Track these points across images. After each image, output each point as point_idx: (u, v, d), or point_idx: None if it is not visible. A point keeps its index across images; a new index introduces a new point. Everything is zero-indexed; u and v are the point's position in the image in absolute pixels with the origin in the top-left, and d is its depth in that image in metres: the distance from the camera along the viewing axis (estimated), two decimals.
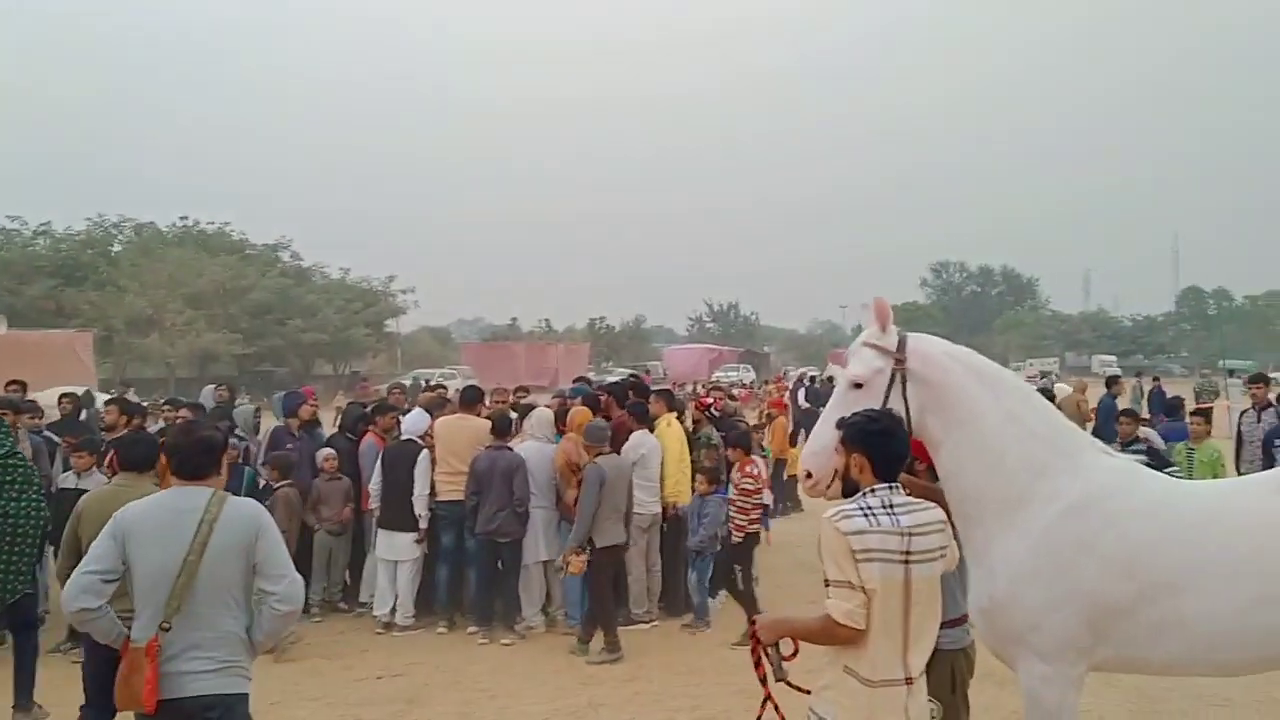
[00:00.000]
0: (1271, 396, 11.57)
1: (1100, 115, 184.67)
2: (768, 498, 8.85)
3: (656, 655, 8.48)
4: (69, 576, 4.10)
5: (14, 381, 11.19)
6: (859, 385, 4.24)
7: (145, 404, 12.30)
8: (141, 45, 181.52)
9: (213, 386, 15.85)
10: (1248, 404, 11.72)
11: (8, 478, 6.55)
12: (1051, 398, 10.92)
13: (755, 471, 9.10)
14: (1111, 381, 17.31)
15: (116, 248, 55.25)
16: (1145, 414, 17.74)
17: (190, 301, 48.08)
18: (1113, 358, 72.19)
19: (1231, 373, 34.96)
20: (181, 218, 59.09)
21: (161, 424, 10.63)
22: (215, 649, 4.04)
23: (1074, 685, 4.11)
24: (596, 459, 8.57)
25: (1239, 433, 11.34)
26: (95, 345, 34.20)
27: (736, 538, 8.93)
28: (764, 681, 3.80)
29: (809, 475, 4.18)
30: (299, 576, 4.24)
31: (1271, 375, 17.91)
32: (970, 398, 4.21)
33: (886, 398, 4.18)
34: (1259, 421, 10.63)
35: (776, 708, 3.82)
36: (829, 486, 4.00)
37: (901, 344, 4.25)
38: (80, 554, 4.43)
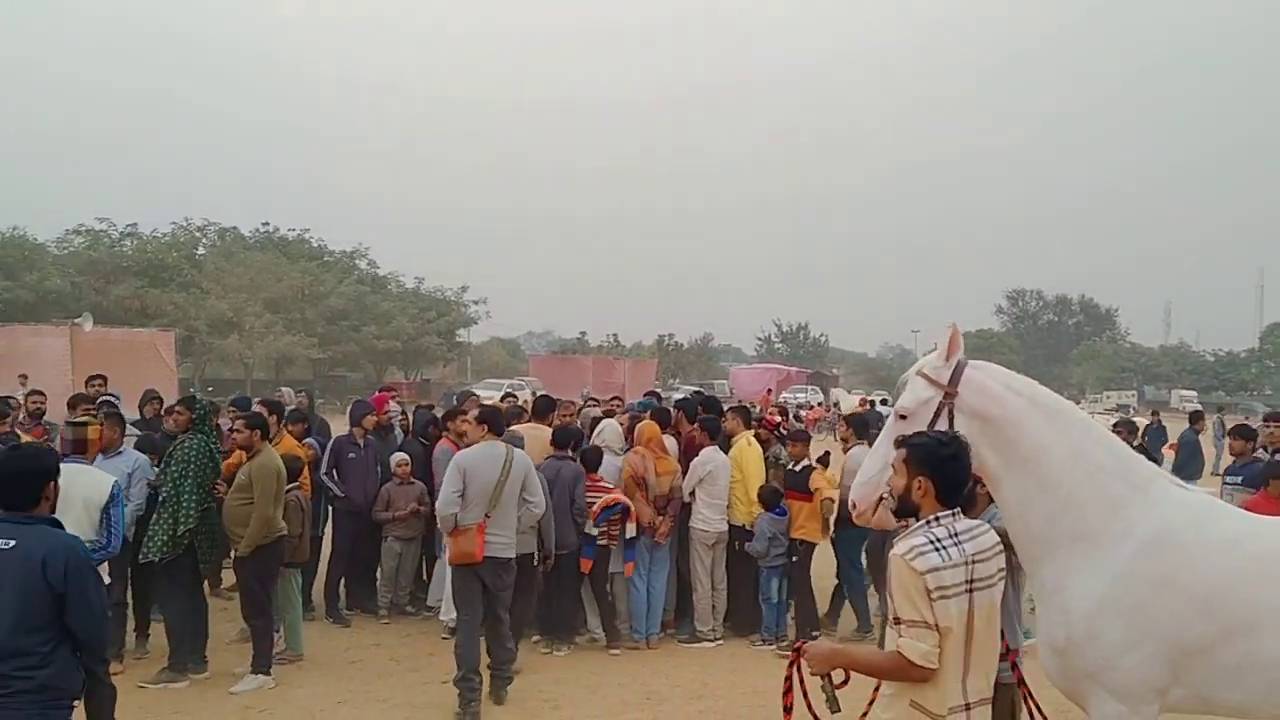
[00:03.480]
0: None
1: (1186, 149, 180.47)
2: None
3: (722, 674, 8.41)
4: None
5: (96, 376, 11.47)
6: (904, 416, 4.16)
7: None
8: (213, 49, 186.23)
9: (290, 389, 16.21)
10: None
11: (214, 462, 7.99)
12: (1135, 428, 10.64)
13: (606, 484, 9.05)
14: (1195, 417, 16.84)
15: (200, 251, 56.67)
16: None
17: (269, 305, 49.07)
18: (1193, 393, 70.29)
19: None
20: (263, 223, 60.46)
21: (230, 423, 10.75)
22: (508, 530, 7.39)
23: None
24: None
25: None
26: (177, 345, 35.13)
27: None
28: (788, 711, 3.73)
29: (854, 505, 4.19)
30: (544, 497, 7.82)
31: None
32: (1031, 433, 4.07)
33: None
34: None
35: None
36: (874, 514, 4.02)
37: (956, 375, 4.13)
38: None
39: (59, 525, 4.26)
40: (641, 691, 7.93)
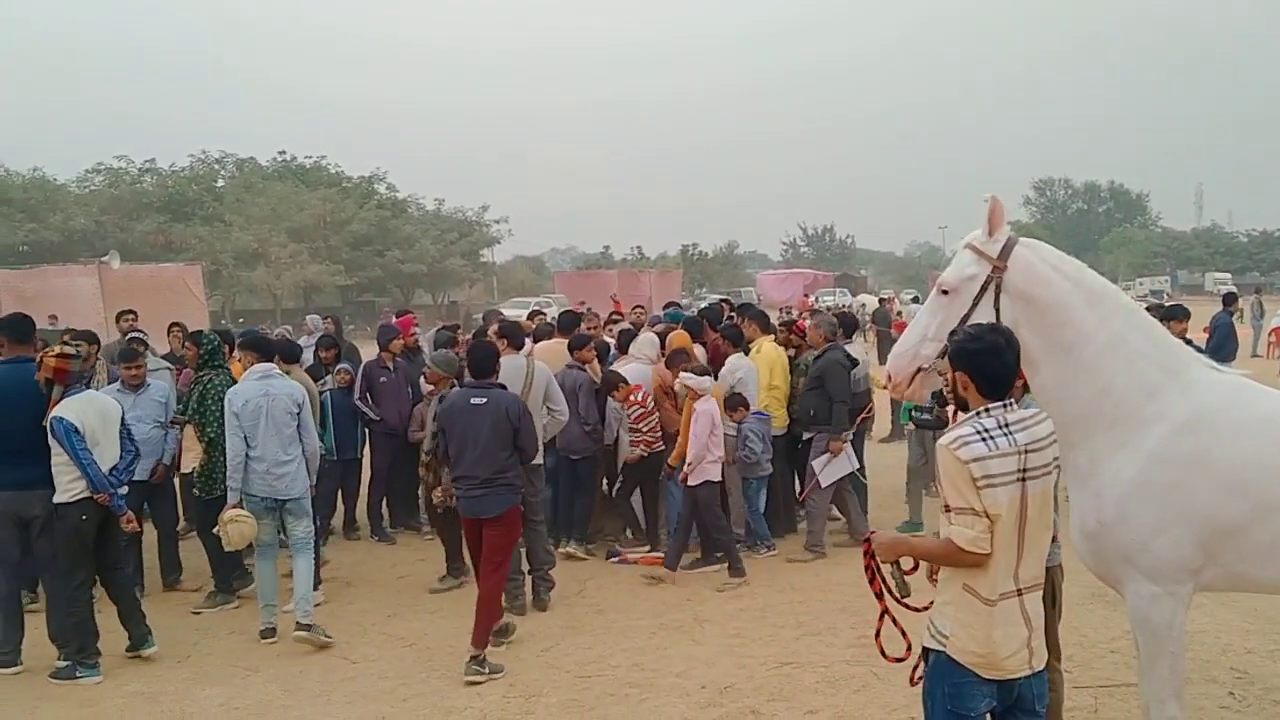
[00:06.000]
0: None
1: (1213, 24, 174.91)
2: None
3: (760, 573, 8.54)
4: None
5: (127, 311, 11.53)
6: (946, 291, 4.07)
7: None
8: None
9: (316, 316, 16.29)
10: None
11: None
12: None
13: (637, 398, 8.96)
14: (1229, 299, 16.63)
15: (220, 183, 56.65)
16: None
17: (292, 234, 49.18)
18: (1227, 275, 69.33)
19: None
20: (280, 152, 60.32)
21: None
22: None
23: (1183, 604, 4.00)
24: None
25: None
26: (204, 278, 35.26)
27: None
28: (880, 596, 3.76)
29: (889, 378, 4.15)
30: (565, 406, 8.25)
31: None
32: (1076, 321, 4.00)
33: (974, 307, 3.99)
34: None
35: (895, 621, 3.79)
36: (909, 388, 4.01)
37: (1007, 250, 4.02)
38: None
39: (504, 388, 6.87)
40: (682, 594, 8.08)
